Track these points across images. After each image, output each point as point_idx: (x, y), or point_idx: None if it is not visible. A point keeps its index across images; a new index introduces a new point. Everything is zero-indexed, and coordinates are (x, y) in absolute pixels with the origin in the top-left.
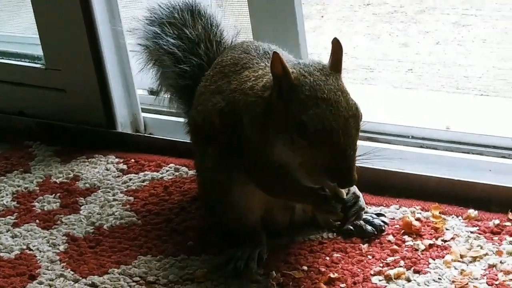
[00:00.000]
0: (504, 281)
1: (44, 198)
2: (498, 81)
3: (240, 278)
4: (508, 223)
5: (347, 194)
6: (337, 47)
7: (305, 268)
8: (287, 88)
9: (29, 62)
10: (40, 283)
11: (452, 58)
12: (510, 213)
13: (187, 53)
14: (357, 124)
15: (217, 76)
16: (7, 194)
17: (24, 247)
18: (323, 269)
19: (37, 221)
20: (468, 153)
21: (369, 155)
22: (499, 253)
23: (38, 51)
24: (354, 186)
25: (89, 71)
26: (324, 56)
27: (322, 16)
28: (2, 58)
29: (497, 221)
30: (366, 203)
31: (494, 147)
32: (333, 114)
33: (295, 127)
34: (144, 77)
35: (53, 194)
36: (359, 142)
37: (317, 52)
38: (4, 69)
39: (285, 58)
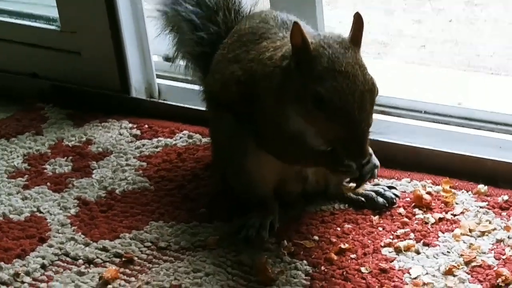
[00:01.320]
0: (511, 255)
1: (55, 161)
2: (509, 60)
3: (251, 246)
4: None
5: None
6: (358, 21)
7: (316, 238)
8: (306, 59)
9: (44, 23)
10: (50, 246)
11: (464, 36)
12: None
13: (205, 21)
14: (373, 99)
15: (235, 44)
16: (18, 156)
17: (35, 209)
18: (334, 240)
19: (48, 183)
20: (479, 129)
21: (382, 130)
22: (507, 228)
23: (54, 12)
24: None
25: (105, 35)
26: (338, 30)
27: None
28: (17, 19)
29: (506, 197)
30: (378, 176)
31: (505, 124)
32: (350, 87)
33: (311, 98)
34: (159, 43)
35: (65, 157)
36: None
37: (331, 25)
38: (18, 30)
39: (305, 29)
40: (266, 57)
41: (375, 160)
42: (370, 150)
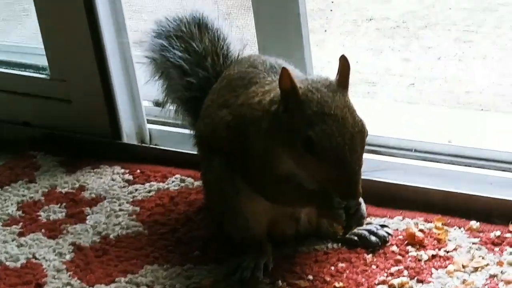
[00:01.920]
0: None
1: (49, 207)
2: (498, 96)
3: (247, 287)
4: (508, 235)
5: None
6: (344, 64)
7: (310, 277)
8: (294, 103)
9: (33, 72)
10: None
11: (453, 73)
12: (511, 225)
13: (194, 66)
14: (363, 141)
15: (224, 90)
16: (12, 204)
17: (30, 256)
18: (328, 279)
19: (43, 230)
20: (469, 166)
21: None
22: (500, 263)
23: (43, 61)
24: None
25: (94, 82)
26: (327, 70)
27: (325, 30)
28: (7, 68)
29: (498, 233)
30: (370, 215)
31: (495, 161)
32: (340, 130)
33: (301, 142)
34: (149, 89)
35: (59, 204)
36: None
37: (319, 65)
38: (8, 79)
39: (293, 74)
40: (255, 102)
41: (363, 210)
42: (361, 200)
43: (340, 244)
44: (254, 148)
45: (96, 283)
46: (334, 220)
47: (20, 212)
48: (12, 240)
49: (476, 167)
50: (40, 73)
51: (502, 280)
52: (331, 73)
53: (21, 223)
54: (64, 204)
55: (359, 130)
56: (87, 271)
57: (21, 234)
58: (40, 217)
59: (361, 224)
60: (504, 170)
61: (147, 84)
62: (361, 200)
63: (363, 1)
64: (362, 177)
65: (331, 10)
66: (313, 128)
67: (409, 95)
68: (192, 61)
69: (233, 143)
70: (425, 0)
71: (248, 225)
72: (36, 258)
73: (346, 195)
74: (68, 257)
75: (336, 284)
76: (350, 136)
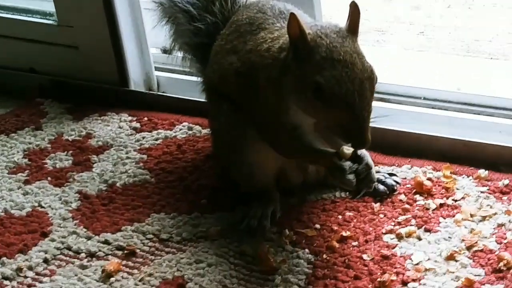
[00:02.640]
0: None
1: (56, 155)
2: (508, 44)
3: (254, 236)
4: None
5: (360, 163)
6: (354, 11)
7: (317, 226)
8: (303, 49)
9: (40, 18)
10: (52, 240)
11: (463, 21)
12: None
13: (201, 11)
14: (372, 87)
15: (233, 35)
16: (18, 151)
17: (36, 204)
18: (335, 228)
19: (49, 178)
20: (478, 114)
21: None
22: (508, 212)
23: (50, 7)
24: (367, 155)
25: (102, 28)
26: (336, 18)
27: None
28: (13, 14)
29: (506, 181)
30: (378, 163)
31: (504, 108)
32: (349, 76)
33: (310, 88)
34: (157, 36)
35: (65, 152)
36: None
37: (329, 13)
38: (15, 25)
39: (302, 19)
40: (264, 49)
41: (373, 175)
42: (371, 163)
43: (347, 193)
44: (263, 96)
45: (102, 231)
46: (344, 185)
47: (26, 160)
48: (18, 188)
49: (485, 115)
50: (47, 19)
51: (510, 230)
52: (341, 22)
53: (27, 171)
54: (70, 152)
55: (369, 76)
56: (93, 219)
57: (27, 182)
58: (46, 165)
59: (371, 189)
60: None
61: (155, 30)
62: (371, 163)
63: None
64: (371, 124)
65: None
66: (322, 74)
67: (418, 43)
68: (200, 6)
69: (242, 90)
70: None
71: (255, 173)
72: (42, 206)
73: (355, 142)
74: (74, 205)
75: (344, 233)
76: (359, 82)
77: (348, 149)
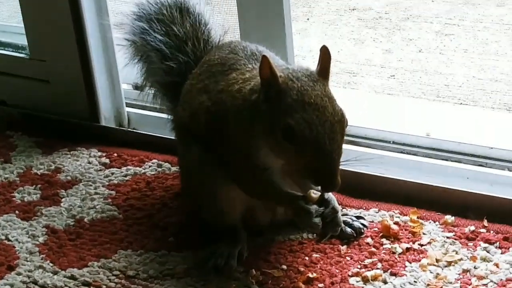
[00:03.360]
0: (477, 285)
1: (24, 189)
2: (477, 91)
3: (220, 275)
4: (483, 230)
5: (326, 207)
6: (325, 55)
7: (284, 267)
8: (275, 92)
9: (13, 51)
10: (19, 274)
11: (434, 66)
12: (485, 220)
13: (174, 50)
14: (343, 130)
15: (204, 75)
16: None
17: (3, 237)
18: (302, 269)
19: (17, 212)
20: (447, 160)
21: (351, 161)
22: (473, 258)
23: (23, 40)
24: (334, 199)
25: (74, 63)
26: (308, 59)
27: (308, 19)
28: None
29: (472, 228)
30: (346, 206)
31: (472, 155)
32: (320, 119)
33: (281, 131)
34: (129, 72)
35: (34, 186)
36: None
37: (301, 54)
38: None
39: (274, 62)
40: (235, 90)
41: (339, 219)
42: (337, 207)
43: (315, 235)
44: (233, 136)
45: (68, 266)
46: (310, 228)
47: None
48: None
49: (453, 161)
50: (19, 52)
51: (475, 275)
52: (313, 62)
53: None
54: (39, 185)
55: (339, 120)
56: (60, 254)
57: None
58: (14, 198)
59: (336, 232)
60: (481, 165)
61: (127, 67)
62: (338, 207)
63: None
64: (340, 167)
65: None
66: (293, 116)
67: (389, 87)
68: (172, 45)
69: (211, 129)
70: None
71: (224, 212)
72: (8, 240)
73: (325, 185)
74: (41, 239)
75: (310, 275)
76: (330, 125)
77: (315, 193)
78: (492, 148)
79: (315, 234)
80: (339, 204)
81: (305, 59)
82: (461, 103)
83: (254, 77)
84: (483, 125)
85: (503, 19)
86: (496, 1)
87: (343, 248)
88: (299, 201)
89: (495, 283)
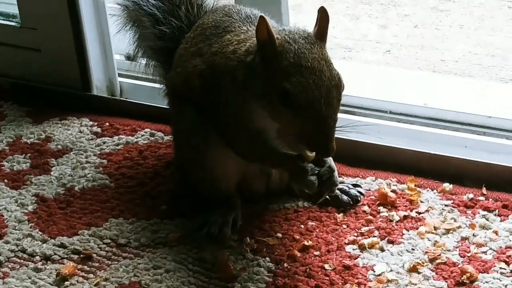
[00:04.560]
0: (476, 253)
1: (14, 158)
2: (474, 65)
3: (214, 243)
4: (481, 198)
5: (322, 166)
6: (323, 16)
7: (279, 235)
8: (271, 54)
9: (3, 19)
10: (7, 242)
11: (429, 41)
12: (484, 188)
13: (167, 15)
14: (339, 95)
15: (198, 38)
16: None
17: None
18: (297, 237)
19: (6, 180)
20: (444, 129)
21: (348, 127)
22: (472, 226)
23: (13, 9)
24: (330, 159)
25: (65, 32)
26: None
27: None
28: None
29: (471, 195)
30: (343, 174)
31: (470, 124)
32: (316, 83)
33: (277, 94)
34: (121, 42)
35: (24, 154)
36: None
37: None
38: None
39: (270, 24)
40: (229, 51)
41: (336, 178)
42: (333, 166)
43: (310, 203)
44: (228, 100)
45: (58, 235)
46: (306, 187)
47: None
48: None
49: (451, 129)
50: (10, 21)
51: (473, 243)
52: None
53: None
54: (29, 154)
55: (336, 84)
56: (49, 222)
57: None
58: (3, 167)
59: (333, 192)
60: (478, 133)
61: (119, 36)
62: (334, 167)
63: None
64: (337, 135)
65: None
66: (289, 80)
67: (385, 62)
68: (165, 9)
69: (205, 93)
70: None
71: (217, 180)
72: None
73: (320, 150)
74: (30, 208)
75: (306, 243)
76: (326, 90)
77: (311, 152)
78: (490, 117)
79: (311, 200)
80: None
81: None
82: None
83: (249, 38)
84: (481, 96)
85: None
86: None
87: (340, 216)
88: (295, 160)
89: (494, 250)
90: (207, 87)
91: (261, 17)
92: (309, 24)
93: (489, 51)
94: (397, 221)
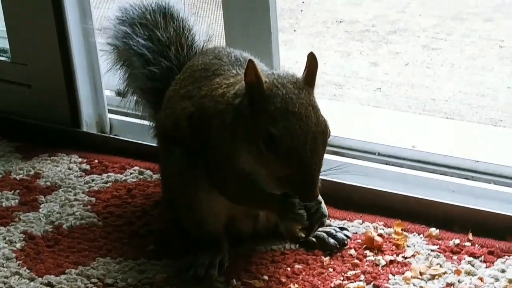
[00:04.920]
0: None
1: (2, 194)
2: (464, 105)
3: (200, 285)
4: (467, 243)
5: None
6: (312, 61)
7: (265, 277)
8: (259, 97)
9: None
10: None
11: (420, 80)
12: (470, 234)
13: (156, 55)
14: (325, 141)
15: (187, 80)
16: None
17: None
18: (283, 280)
19: None
20: (432, 172)
21: (335, 170)
22: (457, 272)
23: (4, 44)
24: None
25: (56, 68)
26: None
27: (295, 30)
28: None
29: (457, 241)
30: (330, 217)
31: (458, 168)
32: (302, 129)
33: (263, 138)
34: (111, 78)
35: (12, 191)
36: (326, 156)
37: (287, 65)
38: None
39: (259, 67)
40: (218, 94)
41: (324, 209)
42: (320, 198)
43: (297, 245)
44: (216, 142)
45: (46, 273)
46: (296, 221)
47: None
48: None
49: (438, 173)
50: (0, 55)
51: None
52: (298, 74)
53: None
54: (18, 191)
55: (322, 130)
56: (37, 260)
57: None
58: None
59: (323, 223)
60: (466, 178)
61: (109, 72)
62: (320, 198)
63: (334, 2)
64: (325, 177)
65: (301, 10)
66: (275, 125)
67: (375, 100)
68: (155, 50)
69: (195, 135)
70: (396, 5)
71: (205, 221)
72: None
73: (303, 196)
74: (18, 245)
75: (292, 286)
76: (312, 136)
77: None
78: (477, 161)
79: (297, 245)
80: None
81: (290, 70)
82: (447, 117)
83: (238, 82)
84: (469, 139)
85: (490, 34)
86: (483, 16)
87: (326, 259)
88: (282, 195)
89: None
90: (196, 129)
91: (250, 60)
92: (300, 60)
93: (480, 91)
94: (383, 266)
